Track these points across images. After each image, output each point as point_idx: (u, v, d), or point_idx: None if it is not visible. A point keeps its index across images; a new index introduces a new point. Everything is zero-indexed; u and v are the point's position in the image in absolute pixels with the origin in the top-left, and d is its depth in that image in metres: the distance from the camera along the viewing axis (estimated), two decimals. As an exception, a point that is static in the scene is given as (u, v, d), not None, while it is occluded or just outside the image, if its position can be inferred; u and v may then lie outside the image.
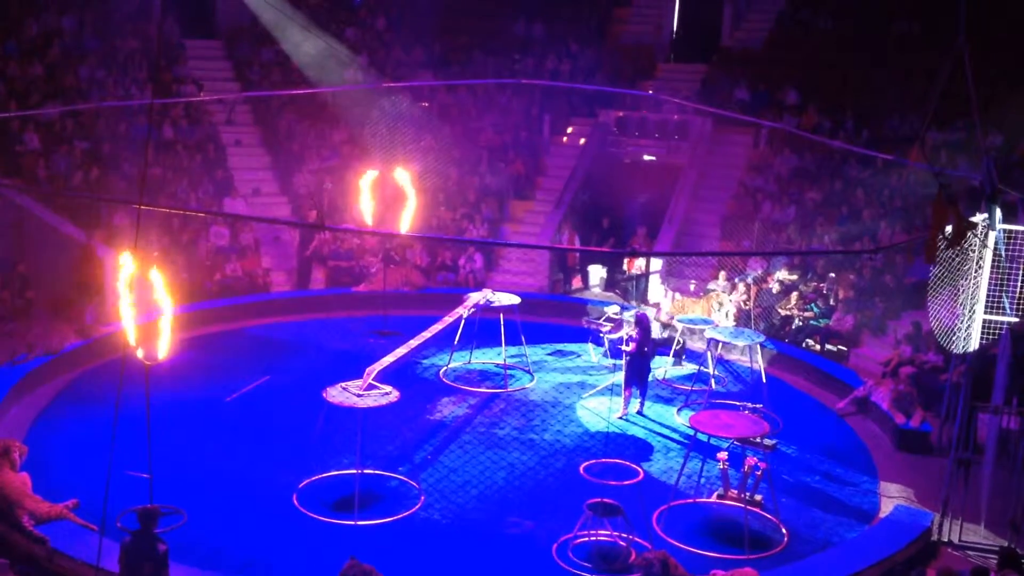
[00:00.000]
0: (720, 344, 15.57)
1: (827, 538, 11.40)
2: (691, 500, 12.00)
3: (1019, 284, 11.26)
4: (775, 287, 18.34)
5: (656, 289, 19.73)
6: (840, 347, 17.18)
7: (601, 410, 14.69)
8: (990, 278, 11.02)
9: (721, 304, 17.65)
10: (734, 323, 16.91)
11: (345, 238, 20.63)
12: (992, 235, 10.75)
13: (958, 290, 11.05)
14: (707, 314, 17.40)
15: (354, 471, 11.82)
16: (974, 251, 10.76)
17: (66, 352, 15.40)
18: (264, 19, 24.11)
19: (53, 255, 17.71)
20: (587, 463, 11.23)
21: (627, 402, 14.55)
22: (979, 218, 10.74)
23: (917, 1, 23.74)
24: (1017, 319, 11.18)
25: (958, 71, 10.27)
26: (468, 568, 10.62)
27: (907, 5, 23.95)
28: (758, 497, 11.73)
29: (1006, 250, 10.96)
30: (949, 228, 9.79)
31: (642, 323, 14.35)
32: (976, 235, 10.55)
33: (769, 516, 11.64)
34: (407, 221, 17.42)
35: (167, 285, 10.03)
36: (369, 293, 19.15)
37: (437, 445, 13.48)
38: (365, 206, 17.52)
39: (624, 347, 14.29)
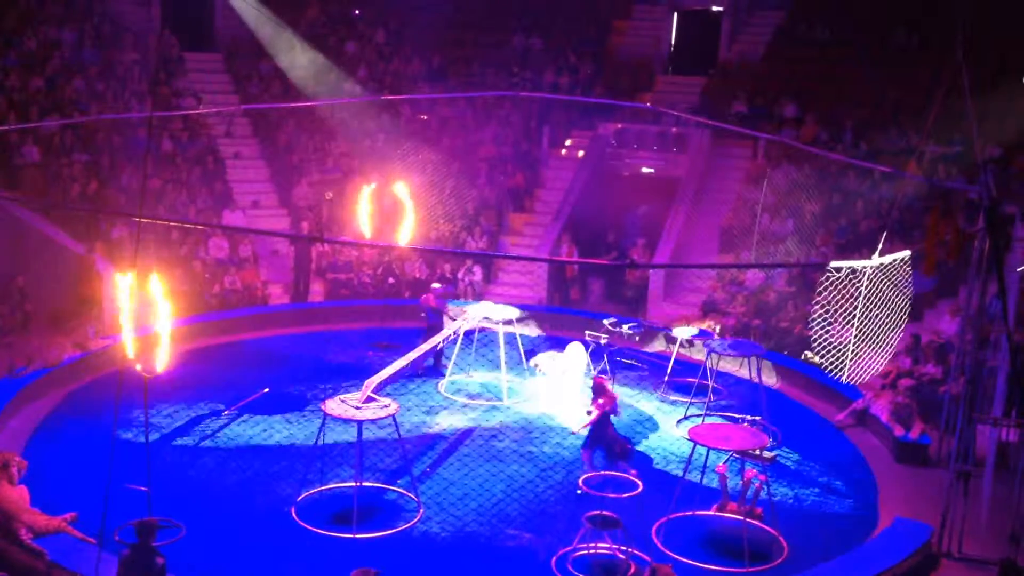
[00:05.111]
0: (719, 356, 15.56)
1: (827, 550, 11.37)
2: (690, 513, 11.98)
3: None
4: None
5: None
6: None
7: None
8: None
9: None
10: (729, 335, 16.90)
11: (343, 250, 20.66)
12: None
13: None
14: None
15: (353, 484, 11.81)
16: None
17: (65, 365, 15.37)
18: (261, 34, 24.19)
19: (52, 268, 17.73)
20: (586, 476, 11.22)
21: (589, 463, 12.82)
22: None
23: (915, 14, 23.85)
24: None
25: (956, 84, 10.32)
26: (467, 581, 10.60)
27: (905, 18, 24.05)
28: (757, 510, 11.71)
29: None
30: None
31: (603, 392, 12.75)
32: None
33: (768, 528, 11.61)
34: (406, 233, 17.45)
35: (166, 298, 10.02)
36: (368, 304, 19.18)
37: (436, 458, 13.46)
38: (364, 218, 17.55)
39: (586, 415, 12.87)
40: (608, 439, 12.71)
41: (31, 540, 10.20)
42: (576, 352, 15.40)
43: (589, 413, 12.73)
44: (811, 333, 11.58)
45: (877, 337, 10.90)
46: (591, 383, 13.09)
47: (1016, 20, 22.11)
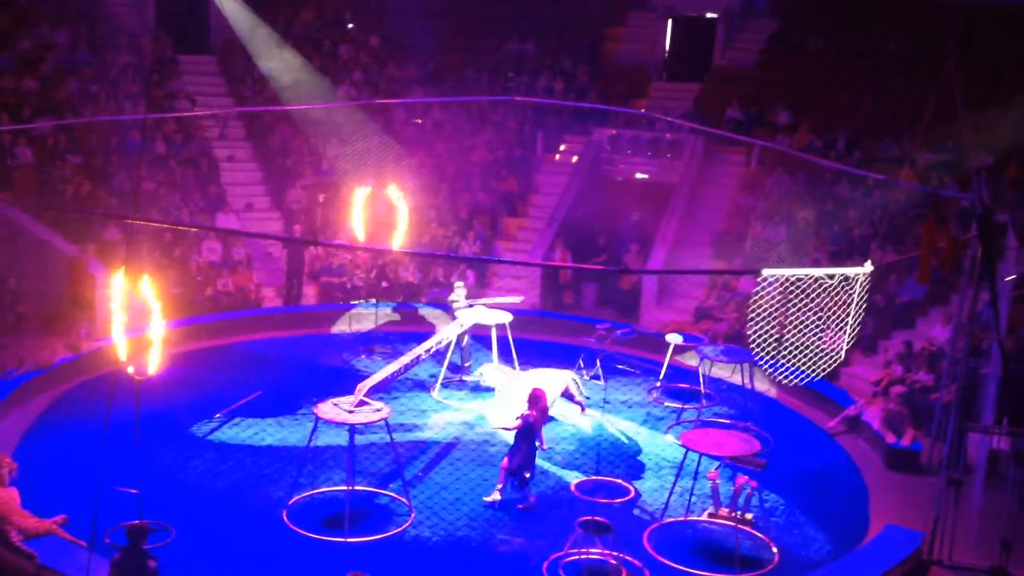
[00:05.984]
0: (711, 362, 15.58)
1: (818, 557, 11.39)
2: (682, 518, 11.99)
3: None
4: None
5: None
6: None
7: (594, 426, 14.68)
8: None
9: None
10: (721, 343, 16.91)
11: (336, 254, 20.64)
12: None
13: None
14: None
15: (344, 488, 11.79)
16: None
17: (56, 367, 15.33)
18: (245, 38, 24.14)
19: (44, 269, 17.69)
20: (578, 481, 11.22)
21: (504, 487, 12.30)
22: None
23: (908, 23, 23.94)
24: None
25: (948, 92, 10.36)
26: (458, 586, 10.59)
27: (898, 27, 24.14)
28: (749, 516, 11.73)
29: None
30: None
31: (538, 402, 12.45)
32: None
33: (760, 535, 11.63)
34: (399, 238, 17.43)
35: (158, 300, 10.01)
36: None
37: (428, 462, 13.44)
38: (357, 222, 17.54)
39: (514, 422, 12.45)
40: (526, 454, 12.09)
41: (21, 542, 10.17)
42: (556, 379, 14.82)
43: (518, 419, 12.28)
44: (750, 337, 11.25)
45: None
46: (529, 395, 12.47)
47: (1009, 29, 22.26)
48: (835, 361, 10.72)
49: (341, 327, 18.73)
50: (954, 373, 11.86)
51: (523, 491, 12.21)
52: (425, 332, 16.13)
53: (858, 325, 10.36)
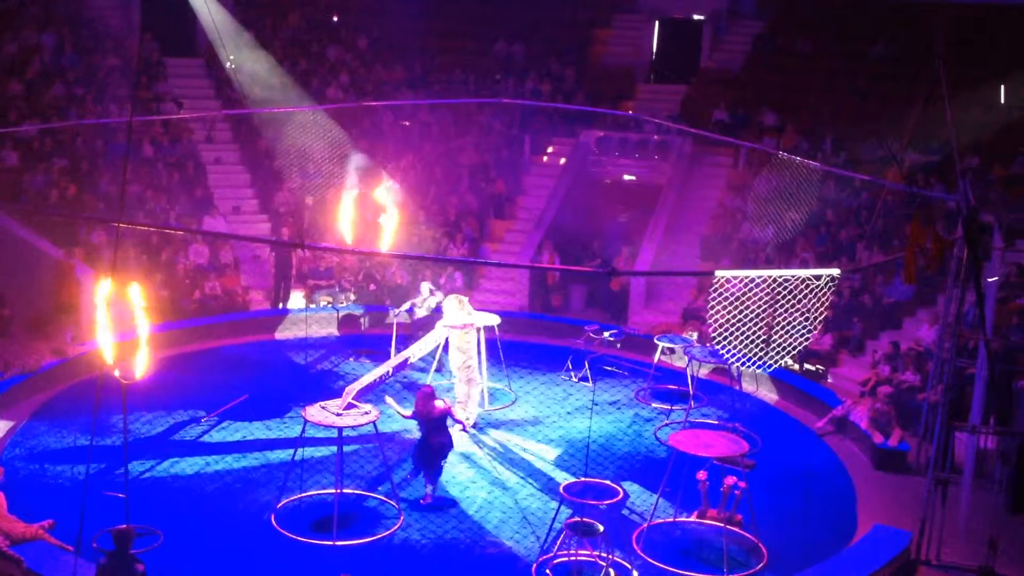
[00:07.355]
0: (699, 363, 15.60)
1: (806, 557, 11.40)
2: (671, 520, 12.00)
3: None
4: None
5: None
6: (818, 366, 17.25)
7: (582, 429, 14.67)
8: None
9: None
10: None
11: (324, 256, 20.59)
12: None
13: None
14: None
15: (333, 491, 11.77)
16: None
17: (43, 371, 15.25)
18: (216, 40, 24.03)
19: (30, 273, 17.61)
20: (567, 482, 11.22)
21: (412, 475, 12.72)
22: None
23: (894, 24, 24.04)
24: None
25: (935, 93, 10.39)
26: (447, 588, 10.58)
27: (885, 28, 24.23)
28: (737, 516, 11.74)
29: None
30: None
31: (424, 401, 12.18)
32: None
33: (748, 535, 11.64)
34: (387, 240, 17.40)
35: (145, 303, 9.95)
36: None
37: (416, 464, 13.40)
38: (345, 225, 17.49)
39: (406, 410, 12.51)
40: (428, 451, 12.14)
41: (8, 547, 10.10)
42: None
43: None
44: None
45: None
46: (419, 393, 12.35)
47: (995, 30, 22.38)
48: (788, 354, 10.73)
49: (286, 331, 18.69)
50: (941, 373, 11.90)
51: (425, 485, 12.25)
52: (414, 334, 16.07)
53: (817, 322, 10.44)
